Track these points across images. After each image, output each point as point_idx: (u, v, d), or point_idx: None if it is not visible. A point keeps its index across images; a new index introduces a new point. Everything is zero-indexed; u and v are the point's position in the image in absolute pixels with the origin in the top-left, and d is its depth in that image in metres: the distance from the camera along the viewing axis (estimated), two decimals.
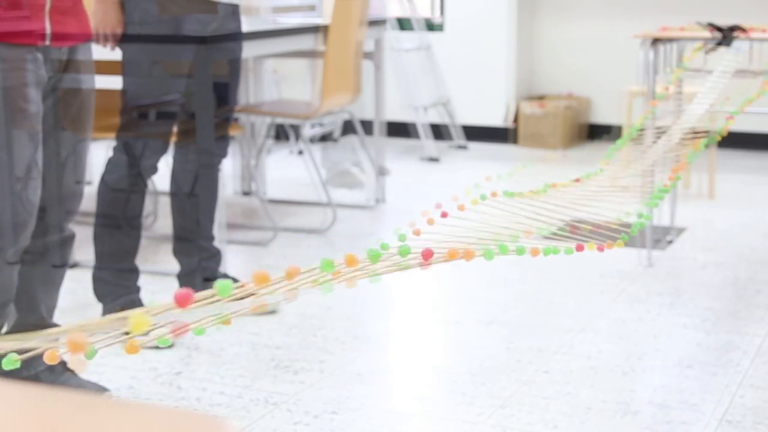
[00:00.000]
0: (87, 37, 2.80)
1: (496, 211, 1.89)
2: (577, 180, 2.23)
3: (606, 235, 1.74)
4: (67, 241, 2.82)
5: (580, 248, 1.60)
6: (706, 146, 2.70)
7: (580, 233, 1.73)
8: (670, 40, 4.06)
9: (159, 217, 4.67)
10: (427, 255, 1.23)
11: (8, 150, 2.55)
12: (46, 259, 2.77)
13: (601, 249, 1.66)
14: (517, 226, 1.78)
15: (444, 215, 1.72)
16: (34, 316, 2.74)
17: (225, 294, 0.93)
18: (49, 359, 0.83)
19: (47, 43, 2.61)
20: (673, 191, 4.47)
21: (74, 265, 3.93)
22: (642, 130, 2.75)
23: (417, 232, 1.66)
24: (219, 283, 1.17)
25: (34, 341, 1.03)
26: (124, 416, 0.60)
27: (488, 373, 3.00)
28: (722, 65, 3.46)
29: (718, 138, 2.82)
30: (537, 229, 1.68)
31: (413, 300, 3.75)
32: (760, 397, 2.82)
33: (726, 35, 3.84)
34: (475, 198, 1.81)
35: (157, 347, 2.85)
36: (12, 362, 1.06)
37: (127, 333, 1.05)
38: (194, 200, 3.54)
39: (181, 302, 0.85)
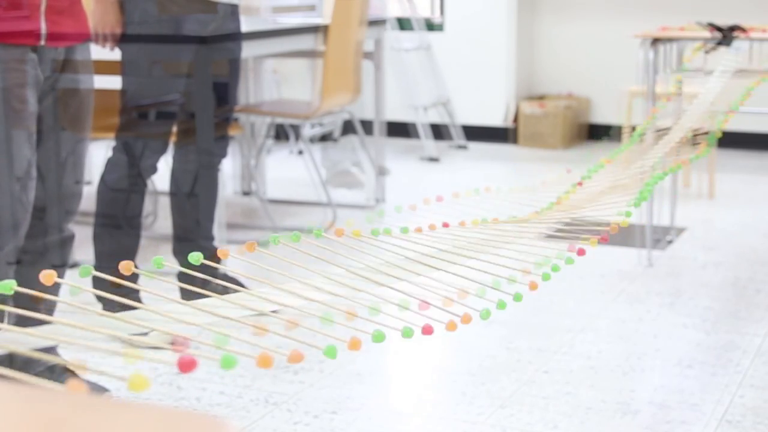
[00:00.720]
0: (85, 38, 2.79)
1: (497, 216, 1.89)
2: (580, 183, 2.23)
3: (605, 230, 1.74)
4: (67, 241, 2.82)
5: (581, 252, 1.59)
6: (710, 147, 2.70)
7: (579, 227, 1.73)
8: (670, 40, 4.06)
9: (159, 217, 4.67)
10: (428, 331, 1.24)
11: (5, 150, 2.55)
12: (46, 259, 2.76)
13: (605, 240, 1.65)
14: (518, 229, 1.77)
15: (446, 225, 1.72)
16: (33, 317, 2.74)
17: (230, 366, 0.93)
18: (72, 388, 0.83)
19: (42, 43, 2.60)
20: (673, 191, 4.47)
21: (74, 265, 3.93)
22: (642, 134, 2.75)
23: (419, 230, 1.66)
24: (192, 256, 1.17)
25: (31, 339, 1.02)
26: (124, 416, 0.60)
27: (488, 373, 2.99)
28: (722, 65, 3.46)
29: (719, 134, 2.82)
30: (536, 233, 1.67)
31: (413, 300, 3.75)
32: (760, 397, 2.82)
33: (726, 35, 3.84)
34: (476, 219, 1.80)
35: (157, 347, 2.86)
36: (6, 288, 1.06)
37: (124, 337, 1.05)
38: (194, 200, 3.54)
39: (184, 368, 0.85)
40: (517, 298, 1.42)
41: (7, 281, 1.04)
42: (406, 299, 1.22)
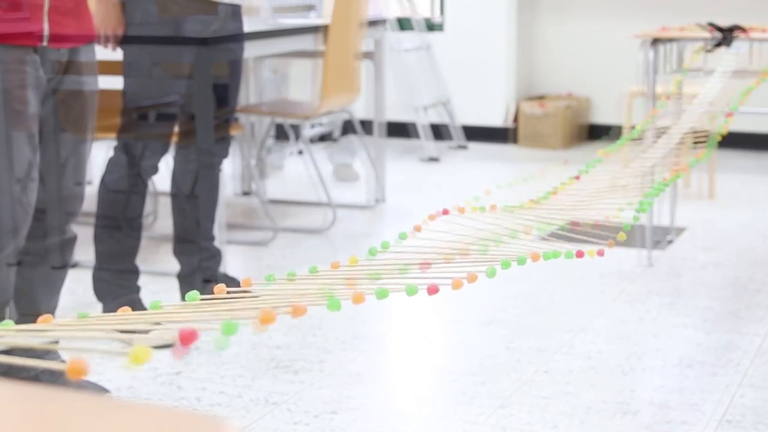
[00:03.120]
0: (89, 39, 2.77)
1: (496, 214, 1.89)
2: (577, 177, 2.23)
3: (606, 234, 1.74)
4: (69, 243, 2.81)
5: (580, 254, 1.59)
6: (711, 151, 2.70)
7: (581, 229, 1.73)
8: (670, 40, 4.06)
9: (159, 217, 4.67)
10: (432, 291, 1.24)
11: (5, 151, 2.54)
12: (47, 260, 2.76)
13: (601, 254, 1.65)
14: (518, 226, 1.77)
15: (446, 212, 1.72)
16: (35, 317, 2.74)
17: (230, 332, 0.94)
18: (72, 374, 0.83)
19: (45, 44, 2.60)
20: (673, 191, 4.47)
21: (74, 265, 3.93)
22: (641, 132, 2.75)
23: (418, 228, 1.66)
24: (189, 295, 1.16)
25: (33, 341, 1.03)
26: (124, 416, 0.60)
27: (488, 373, 3.00)
28: (722, 65, 3.46)
29: (719, 138, 2.82)
30: (538, 229, 1.67)
31: (413, 300, 3.75)
32: (760, 396, 2.83)
33: (726, 35, 3.84)
34: (475, 207, 1.80)
35: (157, 347, 2.86)
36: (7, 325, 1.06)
37: (126, 332, 1.05)
38: (195, 201, 3.54)
39: (185, 341, 0.86)
40: (521, 261, 1.43)
41: (6, 321, 1.04)
42: (406, 263, 1.23)
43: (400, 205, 5.13)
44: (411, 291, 1.20)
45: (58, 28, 2.61)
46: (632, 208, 1.90)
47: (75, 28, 2.69)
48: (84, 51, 2.73)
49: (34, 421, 0.59)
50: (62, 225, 2.77)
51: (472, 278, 1.29)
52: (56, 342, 1.15)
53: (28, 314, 2.73)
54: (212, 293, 1.24)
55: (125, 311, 1.14)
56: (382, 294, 1.15)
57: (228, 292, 1.23)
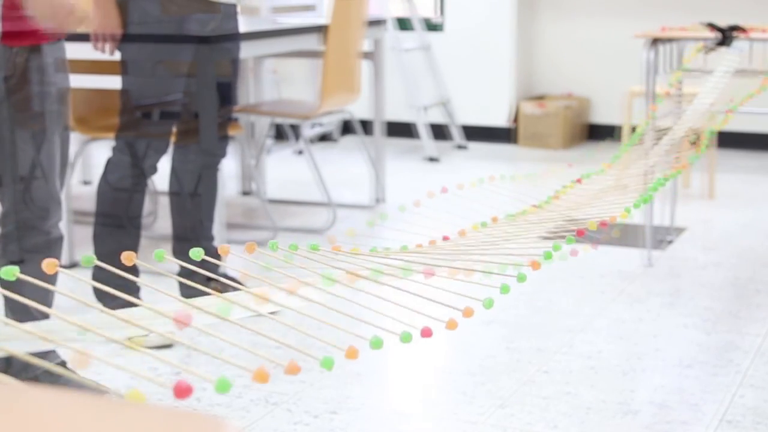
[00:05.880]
0: (54, 37, 2.65)
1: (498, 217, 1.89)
2: (578, 180, 2.23)
3: (604, 231, 1.74)
4: (55, 243, 2.75)
5: (581, 233, 1.60)
6: (708, 144, 2.70)
7: (586, 228, 1.73)
8: (670, 40, 4.06)
9: (159, 217, 4.67)
10: (426, 334, 1.24)
11: None
12: (33, 261, 2.72)
13: (595, 246, 1.66)
14: (521, 229, 1.77)
15: (446, 239, 1.72)
16: (28, 319, 2.72)
17: (224, 390, 0.93)
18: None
19: None
20: (673, 191, 4.47)
21: (74, 265, 3.93)
22: (642, 135, 2.75)
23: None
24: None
25: (32, 342, 1.02)
26: (124, 416, 0.60)
27: (488, 373, 2.99)
28: (722, 65, 3.46)
29: (717, 129, 2.82)
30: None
31: (413, 300, 3.75)
32: (760, 397, 2.82)
33: (726, 35, 3.84)
34: (476, 224, 1.80)
35: (157, 347, 2.85)
36: (9, 274, 1.05)
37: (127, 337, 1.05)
38: (194, 200, 3.54)
39: (180, 394, 0.86)
40: (521, 278, 1.42)
41: (10, 267, 1.03)
42: (409, 265, 1.22)
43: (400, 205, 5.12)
44: (406, 338, 1.19)
45: (13, 25, 2.52)
46: (633, 203, 1.90)
47: (34, 25, 2.58)
48: (50, 49, 2.64)
49: (34, 422, 0.59)
50: (41, 225, 2.70)
51: (467, 313, 1.29)
52: (54, 352, 1.15)
53: (20, 316, 2.71)
54: (212, 292, 1.24)
55: (126, 256, 1.14)
56: (376, 344, 1.15)
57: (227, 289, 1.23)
